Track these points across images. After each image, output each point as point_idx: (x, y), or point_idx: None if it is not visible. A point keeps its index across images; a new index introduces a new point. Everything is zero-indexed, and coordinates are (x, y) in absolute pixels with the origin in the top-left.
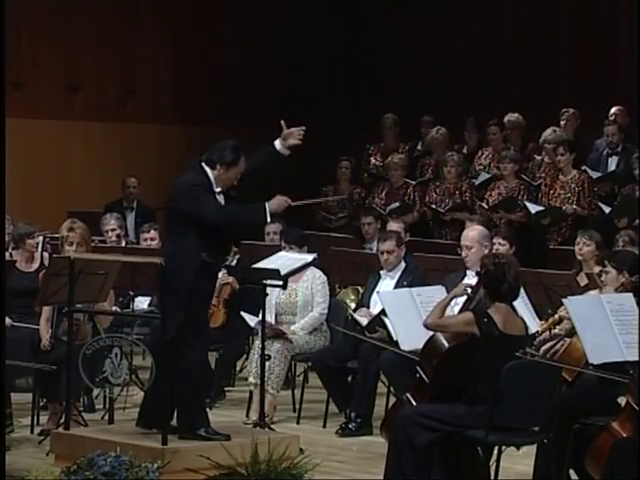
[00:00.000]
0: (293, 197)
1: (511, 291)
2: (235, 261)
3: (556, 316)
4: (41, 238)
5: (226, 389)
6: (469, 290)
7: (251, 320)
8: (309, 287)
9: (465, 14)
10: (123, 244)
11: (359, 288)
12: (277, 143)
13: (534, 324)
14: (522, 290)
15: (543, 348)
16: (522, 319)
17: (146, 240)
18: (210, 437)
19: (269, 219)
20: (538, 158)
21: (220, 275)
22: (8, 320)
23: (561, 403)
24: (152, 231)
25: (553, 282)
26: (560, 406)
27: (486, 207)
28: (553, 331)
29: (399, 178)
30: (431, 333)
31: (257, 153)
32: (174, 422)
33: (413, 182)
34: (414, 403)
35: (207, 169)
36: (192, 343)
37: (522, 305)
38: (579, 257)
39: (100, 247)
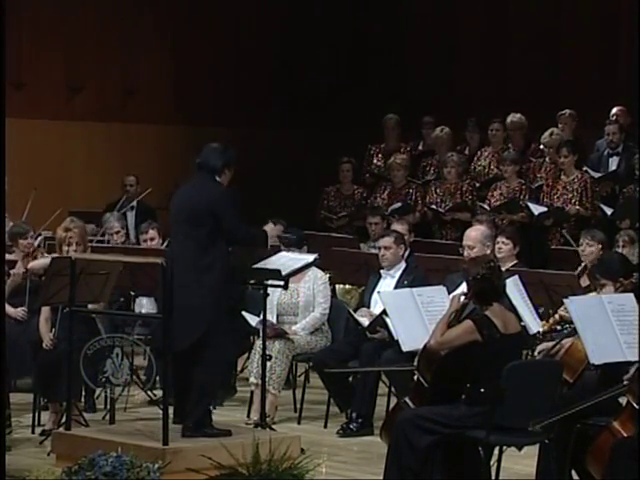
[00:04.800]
0: (295, 197)
1: (500, 291)
2: None
3: (556, 316)
4: (40, 238)
5: None
6: (462, 298)
7: (252, 320)
8: (311, 287)
9: (466, 14)
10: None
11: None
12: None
13: (535, 324)
14: (523, 290)
15: (539, 347)
16: (514, 310)
17: (145, 240)
18: (213, 433)
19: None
20: (539, 159)
21: None
22: (22, 310)
23: (562, 404)
24: (151, 230)
25: (554, 282)
26: (561, 407)
27: (487, 208)
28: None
29: (401, 178)
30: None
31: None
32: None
33: (418, 182)
34: (413, 406)
35: (218, 179)
36: (221, 342)
37: (523, 306)
38: (584, 258)
39: (101, 247)
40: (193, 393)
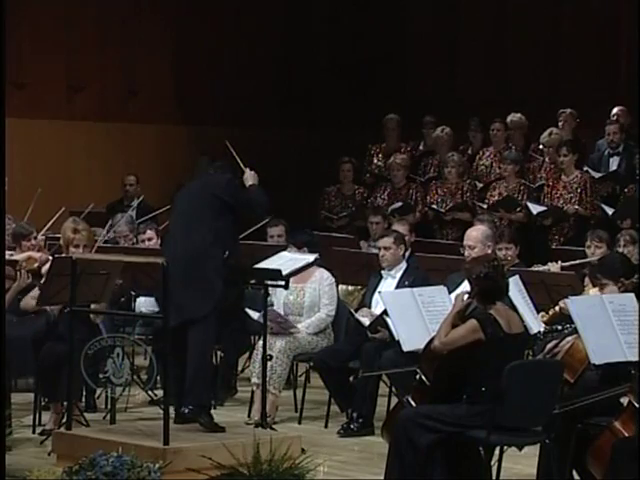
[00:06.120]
0: (295, 197)
1: (503, 290)
2: None
3: (557, 308)
4: (42, 238)
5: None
6: (466, 297)
7: (254, 314)
8: (316, 288)
9: (468, 15)
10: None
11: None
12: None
13: (536, 324)
14: (524, 290)
15: (548, 346)
16: (515, 310)
17: (144, 241)
18: (208, 422)
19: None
20: (539, 159)
21: None
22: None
23: (563, 404)
24: (148, 231)
25: (555, 282)
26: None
27: (485, 207)
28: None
29: (402, 178)
30: (433, 333)
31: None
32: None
33: (420, 179)
34: (414, 405)
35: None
36: (212, 327)
37: (524, 306)
38: (592, 260)
39: (101, 247)
40: (188, 374)
